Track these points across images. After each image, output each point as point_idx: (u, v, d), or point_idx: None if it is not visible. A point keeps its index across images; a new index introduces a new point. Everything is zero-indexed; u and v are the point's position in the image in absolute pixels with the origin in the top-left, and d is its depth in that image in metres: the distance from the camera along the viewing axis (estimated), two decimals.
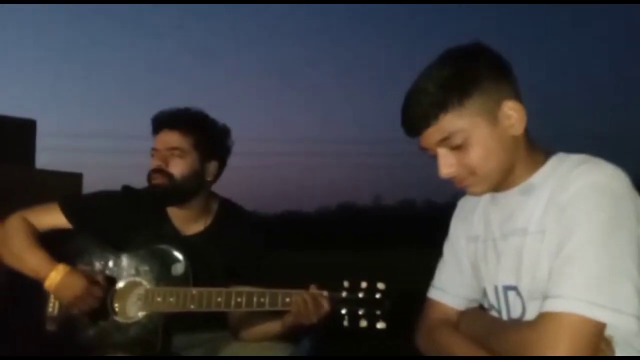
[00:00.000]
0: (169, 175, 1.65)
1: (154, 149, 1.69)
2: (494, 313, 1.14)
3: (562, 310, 0.93)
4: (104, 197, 1.75)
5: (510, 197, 1.11)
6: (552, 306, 0.94)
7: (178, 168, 1.66)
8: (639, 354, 1.01)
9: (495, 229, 1.14)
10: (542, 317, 0.95)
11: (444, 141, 1.05)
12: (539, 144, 1.12)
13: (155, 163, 1.66)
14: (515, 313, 1.08)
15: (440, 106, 1.03)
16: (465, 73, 1.03)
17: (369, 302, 1.43)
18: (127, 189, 1.77)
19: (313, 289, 1.49)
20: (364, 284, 1.45)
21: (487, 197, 1.18)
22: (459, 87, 1.02)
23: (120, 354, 1.54)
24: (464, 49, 1.07)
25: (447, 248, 1.28)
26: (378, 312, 1.42)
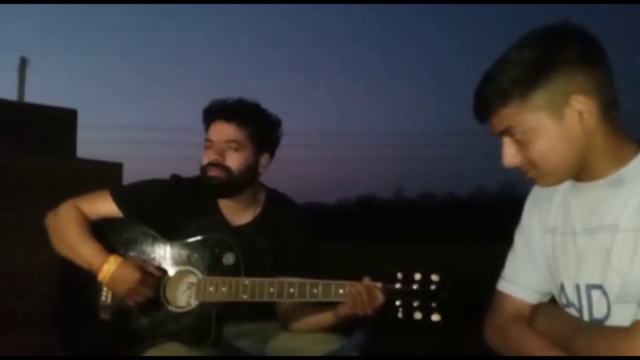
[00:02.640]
0: (226, 169, 1.64)
1: (208, 141, 1.68)
2: (572, 311, 1.08)
3: None
4: (154, 186, 1.75)
5: (596, 189, 1.04)
6: None
7: (234, 162, 1.65)
8: None
9: (577, 223, 1.07)
10: (637, 324, 0.90)
11: (506, 131, 1.04)
12: (629, 134, 1.05)
13: (211, 156, 1.65)
14: (599, 314, 1.02)
15: (502, 98, 1.01)
16: (536, 64, 0.99)
17: (423, 293, 1.42)
18: (176, 178, 1.77)
19: (367, 280, 1.48)
20: (417, 276, 1.45)
21: (566, 185, 1.11)
22: (525, 79, 0.99)
23: (173, 343, 1.54)
24: (547, 32, 1.02)
25: (519, 238, 1.21)
26: (433, 304, 1.41)
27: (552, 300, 1.17)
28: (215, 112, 1.69)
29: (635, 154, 1.02)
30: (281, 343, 1.66)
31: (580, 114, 1.00)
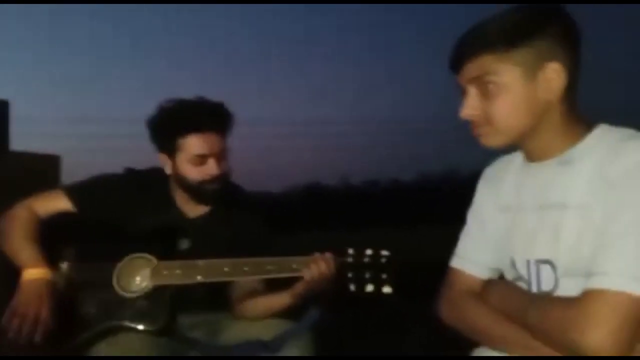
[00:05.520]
0: (224, 178, 1.69)
1: (202, 157, 1.64)
2: (521, 284, 1.12)
3: (610, 288, 0.91)
4: (108, 180, 1.75)
5: (546, 168, 1.08)
6: (598, 283, 0.93)
7: (226, 168, 1.70)
8: None
9: (529, 200, 1.10)
10: (588, 294, 0.94)
11: (477, 80, 1.05)
12: (581, 115, 1.08)
13: (214, 171, 1.65)
14: (547, 287, 1.06)
15: (486, 45, 1.03)
16: (525, 23, 1.03)
17: (374, 266, 1.46)
18: (130, 171, 1.78)
19: (317, 254, 1.50)
20: (368, 251, 1.49)
21: (518, 166, 1.16)
22: (512, 34, 1.02)
23: (127, 335, 1.53)
24: (541, 4, 1.06)
25: (472, 216, 1.24)
26: (384, 276, 1.45)
27: (501, 276, 1.20)
28: (202, 123, 1.64)
29: (584, 135, 1.06)
30: (235, 333, 1.65)
31: (549, 81, 1.02)
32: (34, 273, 1.56)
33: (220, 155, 1.67)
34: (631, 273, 0.91)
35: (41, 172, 2.84)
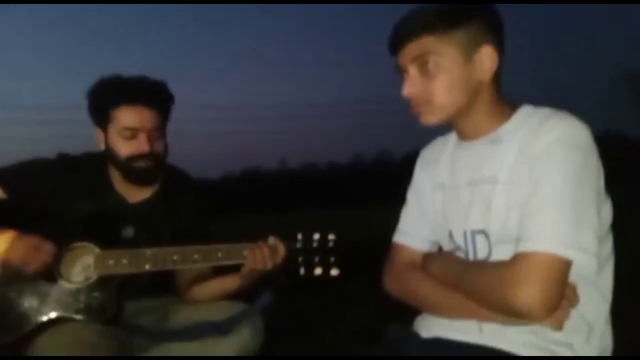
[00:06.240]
0: (156, 158, 1.63)
1: (131, 129, 1.60)
2: (459, 254, 1.20)
3: (536, 250, 1.01)
4: (39, 165, 1.68)
5: (478, 146, 1.17)
6: (526, 247, 1.02)
7: (161, 149, 1.66)
8: (599, 293, 1.13)
9: (463, 177, 1.19)
10: (517, 257, 1.03)
11: (418, 59, 1.12)
12: (506, 98, 1.18)
13: (143, 148, 1.60)
14: (482, 254, 1.15)
15: (427, 27, 1.10)
16: (462, 7, 1.11)
17: (323, 250, 1.51)
18: (64, 156, 1.71)
19: (271, 239, 1.53)
20: (316, 236, 1.53)
21: (452, 146, 1.25)
22: (450, 17, 1.10)
23: (75, 319, 1.50)
24: None
25: (412, 194, 1.34)
26: (332, 259, 1.51)
27: (440, 249, 1.29)
28: (135, 95, 1.60)
29: (510, 116, 1.15)
30: (184, 317, 1.65)
31: (483, 63, 1.11)
32: (7, 236, 1.48)
33: (153, 133, 1.63)
34: (554, 237, 1.00)
35: None
